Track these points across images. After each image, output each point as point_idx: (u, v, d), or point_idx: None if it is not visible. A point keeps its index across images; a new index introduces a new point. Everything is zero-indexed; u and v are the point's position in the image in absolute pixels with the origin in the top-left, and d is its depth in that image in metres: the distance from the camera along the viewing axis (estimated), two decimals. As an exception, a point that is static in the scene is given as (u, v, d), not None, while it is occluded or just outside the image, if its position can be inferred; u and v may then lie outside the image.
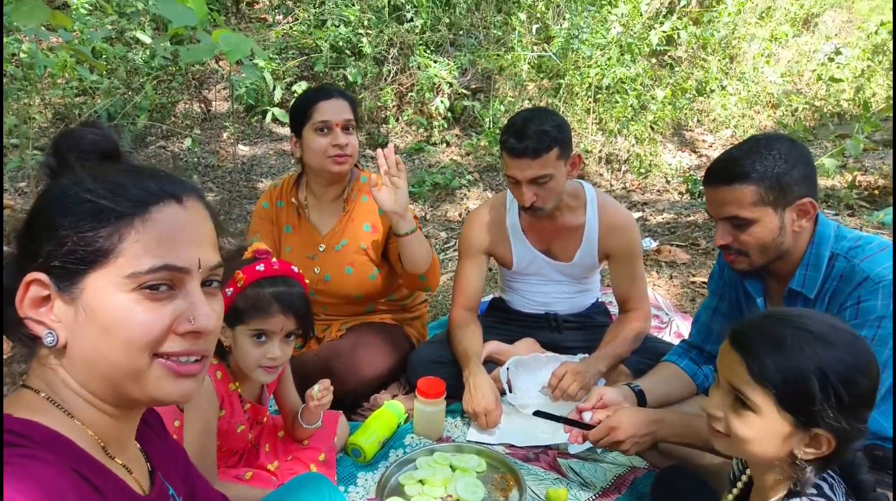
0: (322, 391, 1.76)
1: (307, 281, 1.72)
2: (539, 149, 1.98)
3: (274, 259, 1.62)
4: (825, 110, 5.95)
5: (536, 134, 1.98)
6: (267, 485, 1.66)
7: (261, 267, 1.58)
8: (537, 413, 1.84)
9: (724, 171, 1.54)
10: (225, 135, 5.10)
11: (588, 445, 1.96)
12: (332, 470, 1.86)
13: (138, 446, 0.92)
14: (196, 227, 0.82)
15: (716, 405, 1.13)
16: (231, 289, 1.56)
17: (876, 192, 4.56)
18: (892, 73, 3.44)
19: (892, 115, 2.93)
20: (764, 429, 1.06)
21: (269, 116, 5.09)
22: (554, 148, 2.00)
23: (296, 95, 5.34)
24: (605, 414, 1.72)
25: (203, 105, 5.24)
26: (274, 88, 4.96)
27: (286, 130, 5.49)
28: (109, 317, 0.76)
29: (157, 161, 4.57)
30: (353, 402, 2.20)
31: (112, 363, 0.78)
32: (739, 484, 1.24)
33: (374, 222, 2.24)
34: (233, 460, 1.72)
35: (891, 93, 5.77)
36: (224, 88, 5.45)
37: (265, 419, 1.80)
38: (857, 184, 4.59)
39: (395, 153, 2.04)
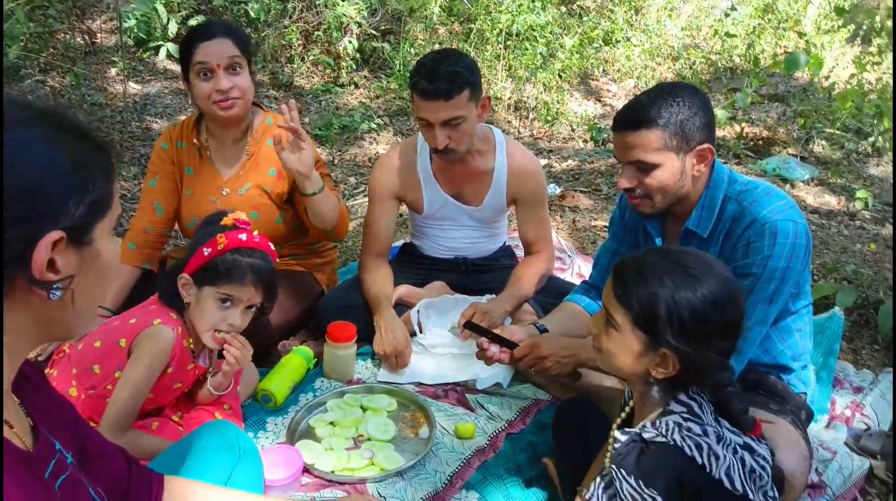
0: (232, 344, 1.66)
1: None
2: (451, 90, 1.96)
3: (256, 232, 1.65)
4: (720, 65, 6.24)
5: (448, 75, 1.96)
6: (174, 436, 1.63)
7: (243, 236, 1.61)
8: (467, 325, 1.91)
9: (632, 117, 1.59)
10: (113, 71, 4.71)
11: (496, 380, 2.05)
12: (238, 418, 1.83)
13: (17, 401, 0.88)
14: None
15: (594, 323, 1.29)
16: (210, 250, 1.59)
17: (760, 142, 4.89)
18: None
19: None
20: (623, 345, 1.20)
21: (162, 52, 4.73)
22: (466, 89, 1.99)
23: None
24: (527, 335, 1.80)
25: (86, 37, 4.79)
26: (168, 21, 4.60)
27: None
28: (107, 260, 0.84)
29: (34, 97, 4.17)
30: (265, 350, 2.16)
31: (93, 299, 0.85)
32: (627, 409, 1.35)
33: (279, 167, 2.15)
34: (147, 407, 1.67)
35: (777, 50, 6.14)
36: (111, 20, 4.99)
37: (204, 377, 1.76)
38: (744, 135, 4.90)
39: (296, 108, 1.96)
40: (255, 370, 1.98)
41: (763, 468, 1.17)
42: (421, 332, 2.19)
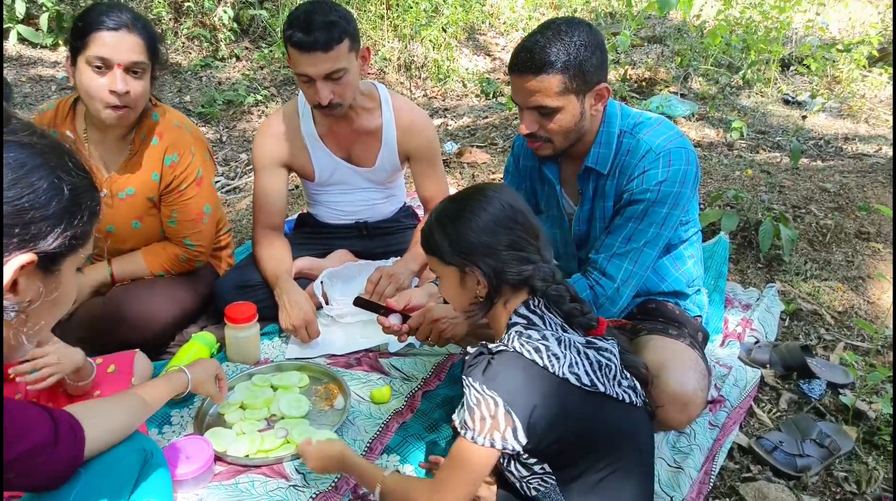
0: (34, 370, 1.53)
1: None
2: (329, 41, 1.87)
3: None
4: (599, 10, 6.38)
5: (325, 25, 1.86)
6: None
7: None
8: (357, 302, 1.86)
9: (531, 60, 1.54)
10: (-47, 59, 4.21)
11: (406, 341, 2.03)
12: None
13: None
14: None
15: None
16: None
17: (643, 83, 5.06)
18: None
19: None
20: (449, 286, 1.35)
21: (13, 36, 4.28)
22: (345, 39, 1.90)
23: (45, 8, 4.53)
24: (426, 295, 1.80)
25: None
26: (13, 1, 4.15)
27: (40, 52, 4.67)
28: (67, 293, 0.89)
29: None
30: (157, 344, 2.03)
31: (44, 330, 0.89)
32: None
33: (161, 172, 1.94)
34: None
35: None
36: (-60, 1, 4.44)
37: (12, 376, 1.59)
38: (628, 77, 5.05)
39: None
40: (148, 362, 1.84)
41: (609, 360, 1.27)
42: (327, 303, 2.12)
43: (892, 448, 1.70)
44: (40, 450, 1.10)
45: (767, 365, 2.03)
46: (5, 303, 0.79)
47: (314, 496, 1.53)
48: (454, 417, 1.29)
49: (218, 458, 1.61)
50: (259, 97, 4.51)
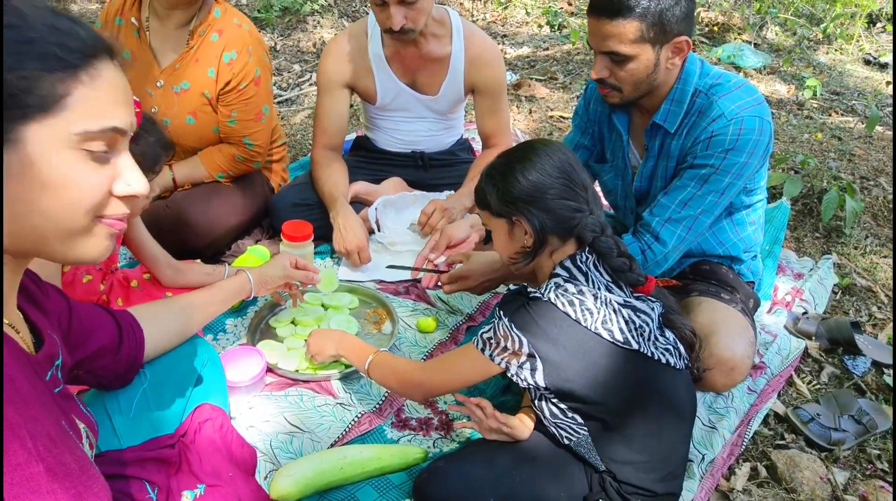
0: None
1: None
2: None
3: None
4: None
5: None
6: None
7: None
8: (391, 267, 1.89)
9: (609, 3, 1.48)
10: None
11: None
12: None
13: (19, 312, 0.87)
14: (126, 86, 0.81)
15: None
16: None
17: (716, 28, 4.81)
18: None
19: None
20: (498, 237, 1.38)
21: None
22: None
23: None
24: (458, 256, 1.79)
25: None
26: None
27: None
28: (53, 174, 0.72)
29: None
30: (213, 253, 2.09)
31: (49, 219, 0.74)
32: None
33: (218, 69, 1.94)
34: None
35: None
36: None
37: (116, 267, 1.67)
38: (700, 20, 4.79)
39: None
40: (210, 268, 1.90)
41: (645, 322, 1.28)
42: (379, 230, 2.15)
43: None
44: (105, 351, 1.14)
45: (813, 337, 2.01)
46: None
47: (359, 415, 1.60)
48: (478, 335, 1.33)
49: (269, 369, 1.68)
50: (316, 6, 4.41)
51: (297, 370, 1.69)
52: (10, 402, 0.70)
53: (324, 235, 2.09)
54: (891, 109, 3.86)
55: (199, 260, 1.91)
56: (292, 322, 1.85)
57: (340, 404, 1.63)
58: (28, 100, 0.69)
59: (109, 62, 0.77)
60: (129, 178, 0.79)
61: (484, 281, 1.73)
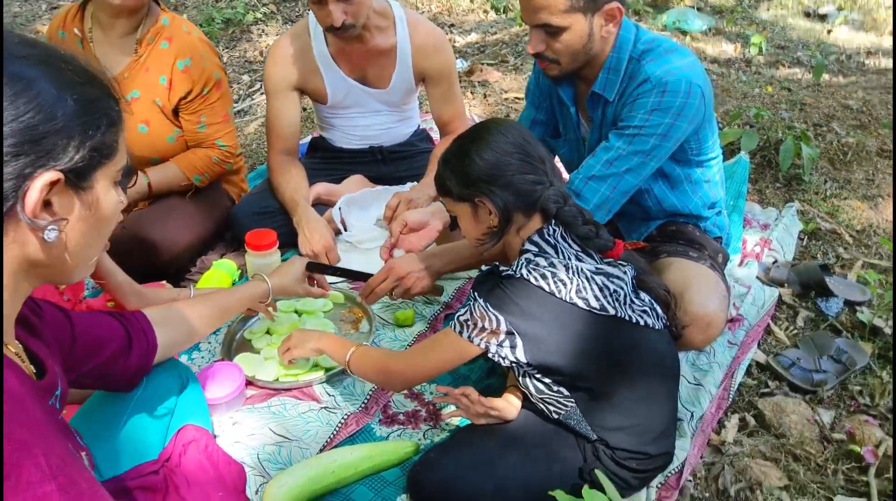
0: None
1: None
2: None
3: None
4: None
5: None
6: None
7: None
8: (309, 267, 1.74)
9: None
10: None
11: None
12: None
13: (18, 344, 0.91)
14: None
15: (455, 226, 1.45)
16: None
17: (658, -4, 4.85)
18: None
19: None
20: (466, 222, 1.37)
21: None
22: None
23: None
24: (430, 213, 1.78)
25: None
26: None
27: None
28: (107, 208, 0.84)
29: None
30: (177, 270, 2.04)
31: (94, 247, 0.87)
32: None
33: (171, 76, 1.92)
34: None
35: None
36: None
37: (83, 298, 1.62)
38: (641, -11, 4.83)
39: None
40: (174, 290, 1.86)
41: (619, 286, 1.28)
42: (345, 229, 2.12)
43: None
44: (117, 356, 1.18)
45: (785, 284, 2.04)
46: (44, 223, 0.76)
47: (345, 416, 1.57)
48: (455, 318, 1.31)
49: (249, 382, 1.65)
50: (259, 15, 4.34)
51: (276, 379, 1.66)
52: (21, 423, 0.73)
53: (289, 241, 2.05)
54: (835, 56, 3.94)
55: (165, 282, 1.87)
56: (267, 332, 1.82)
57: (325, 408, 1.60)
58: (103, 152, 0.82)
59: None
60: (122, 196, 0.89)
61: (413, 273, 1.66)
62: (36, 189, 0.74)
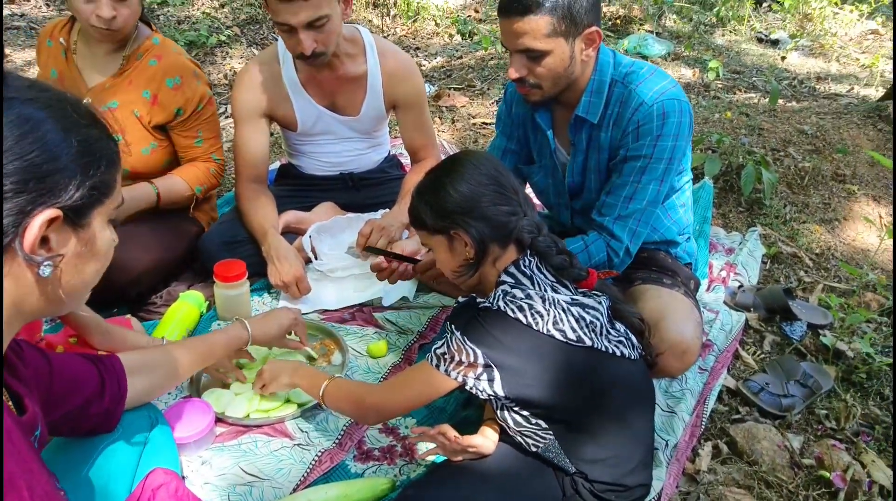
0: None
1: None
2: None
3: None
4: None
5: None
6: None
7: None
8: (368, 249, 1.85)
9: (518, 2, 1.49)
10: None
11: (401, 294, 2.02)
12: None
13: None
14: None
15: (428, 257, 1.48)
16: None
17: (619, 21, 4.97)
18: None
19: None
20: (442, 255, 1.37)
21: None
22: None
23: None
24: (419, 245, 1.77)
25: None
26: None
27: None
28: (101, 244, 0.88)
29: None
30: (139, 297, 1.98)
31: (84, 284, 0.89)
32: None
33: (156, 92, 1.95)
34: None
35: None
36: None
37: (41, 337, 1.55)
38: (603, 15, 4.95)
39: None
40: (141, 326, 1.80)
41: (595, 317, 1.28)
42: (316, 258, 2.09)
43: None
44: (90, 402, 1.17)
45: (751, 309, 2.09)
46: (40, 258, 0.79)
47: (319, 453, 1.54)
48: (432, 351, 1.31)
49: (219, 419, 1.60)
50: (222, 38, 4.29)
51: (247, 416, 1.61)
52: (9, 455, 0.74)
53: (258, 271, 2.01)
54: (788, 81, 4.09)
55: (131, 316, 1.80)
56: (238, 366, 1.76)
57: (298, 445, 1.56)
58: (102, 191, 0.84)
59: None
60: (114, 234, 0.92)
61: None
62: (35, 225, 0.77)
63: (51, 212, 0.78)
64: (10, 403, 0.90)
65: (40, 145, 0.77)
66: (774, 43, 4.79)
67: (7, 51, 3.90)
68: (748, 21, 5.00)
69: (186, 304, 1.89)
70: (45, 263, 0.80)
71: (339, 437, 1.59)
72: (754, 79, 4.08)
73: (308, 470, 1.50)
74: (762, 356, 1.95)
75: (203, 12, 4.59)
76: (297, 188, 2.31)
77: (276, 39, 2.07)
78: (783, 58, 4.40)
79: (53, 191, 0.78)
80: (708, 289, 2.16)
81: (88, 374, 1.18)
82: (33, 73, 3.06)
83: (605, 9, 5.04)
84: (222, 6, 4.68)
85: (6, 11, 4.27)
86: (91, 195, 0.82)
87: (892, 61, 3.84)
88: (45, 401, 1.06)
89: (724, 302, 2.10)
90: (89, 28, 1.85)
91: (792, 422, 1.70)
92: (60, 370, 1.12)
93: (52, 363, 1.11)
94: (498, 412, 1.32)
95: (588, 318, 1.27)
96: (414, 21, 4.95)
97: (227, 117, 3.47)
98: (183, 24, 4.43)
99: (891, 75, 3.96)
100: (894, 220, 2.41)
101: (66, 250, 0.82)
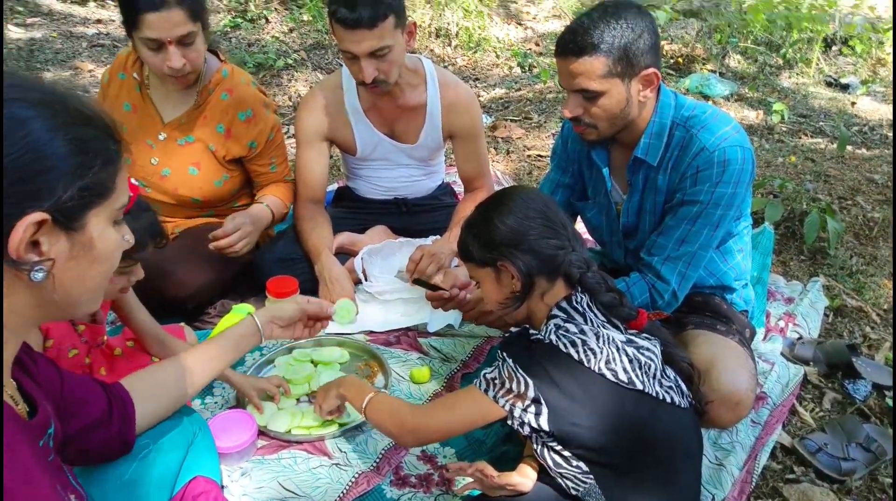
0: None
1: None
2: (374, 18, 1.81)
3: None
4: (637, -19, 6.18)
5: (370, 1, 1.81)
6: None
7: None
8: (417, 282, 1.87)
9: (575, 42, 1.50)
10: (-15, 12, 4.17)
11: (447, 322, 2.02)
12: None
13: (13, 382, 0.91)
14: None
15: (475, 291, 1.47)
16: None
17: (681, 60, 4.93)
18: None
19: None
20: (488, 287, 1.37)
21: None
22: (390, 16, 1.84)
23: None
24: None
25: (-54, -27, 4.20)
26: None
27: (70, 8, 4.63)
28: (103, 249, 0.83)
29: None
30: (195, 309, 2.04)
31: (89, 288, 0.85)
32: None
33: (229, 126, 2.01)
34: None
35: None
36: (-28, -49, 4.39)
37: (104, 339, 1.61)
38: (664, 53, 4.91)
39: None
40: (193, 334, 1.86)
41: (650, 358, 1.25)
42: (367, 280, 2.11)
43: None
44: (96, 425, 1.11)
45: (811, 362, 2.00)
46: (29, 263, 0.76)
47: (356, 475, 1.53)
48: (481, 376, 1.29)
49: (260, 432, 1.62)
50: (289, 61, 4.44)
51: (288, 431, 1.63)
52: (9, 470, 0.72)
53: (310, 289, 2.05)
54: (858, 128, 3.96)
55: (184, 324, 1.86)
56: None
57: (336, 464, 1.56)
58: (97, 192, 0.81)
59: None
60: (126, 234, 0.89)
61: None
62: (20, 229, 0.74)
63: (37, 215, 0.74)
64: (19, 405, 0.87)
65: (24, 145, 0.74)
66: (844, 87, 4.66)
67: (90, 66, 4.13)
68: (816, 64, 4.88)
69: (239, 316, 1.92)
70: (37, 267, 0.76)
71: (378, 460, 1.59)
72: (822, 123, 3.96)
73: (344, 491, 1.49)
74: (821, 414, 1.85)
75: (273, 36, 4.77)
76: (352, 211, 2.36)
77: (341, 65, 2.14)
78: (853, 103, 4.26)
79: (39, 193, 0.75)
80: (764, 339, 2.08)
81: (96, 396, 1.13)
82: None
83: (666, 47, 5.00)
84: (291, 31, 4.85)
85: (92, 30, 4.53)
86: (83, 197, 0.78)
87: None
88: (58, 409, 1.03)
89: (782, 354, 2.02)
90: (162, 77, 1.90)
91: (852, 488, 1.60)
92: (70, 386, 1.09)
93: (63, 378, 1.08)
94: (538, 448, 1.29)
95: (643, 360, 1.24)
96: (475, 52, 5.02)
97: (289, 137, 3.58)
98: (253, 46, 4.62)
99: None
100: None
101: (57, 254, 0.78)
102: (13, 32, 4.14)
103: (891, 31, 4.84)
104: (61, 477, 0.89)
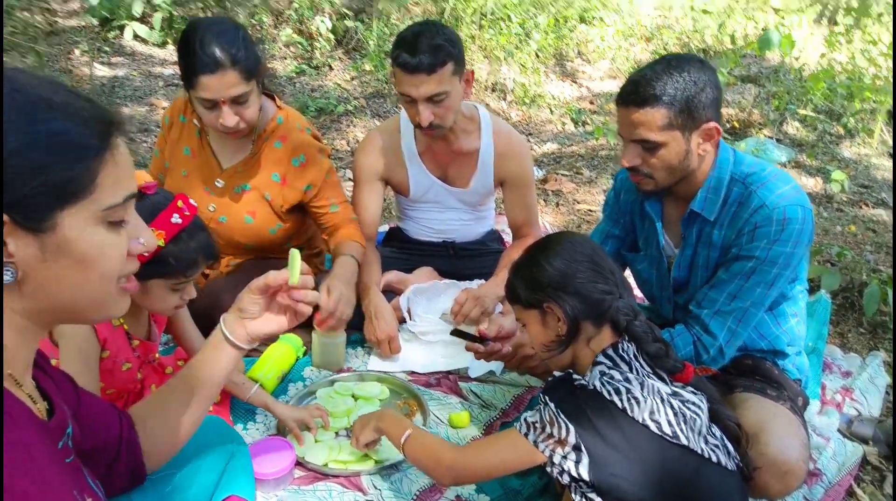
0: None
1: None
2: (434, 64, 1.89)
3: (179, 203, 1.43)
4: (692, 45, 6.25)
5: (430, 48, 1.88)
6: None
7: (177, 219, 1.42)
8: (454, 333, 1.87)
9: (637, 93, 1.52)
10: (77, 52, 4.50)
11: (488, 368, 2.01)
12: (226, 409, 1.78)
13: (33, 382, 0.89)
14: (129, 154, 0.84)
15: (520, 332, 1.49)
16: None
17: (736, 124, 4.91)
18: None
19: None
20: (534, 329, 1.38)
21: (128, 33, 4.54)
22: (448, 63, 1.91)
23: (158, 8, 4.80)
24: (514, 323, 1.77)
25: (46, 15, 4.56)
26: (132, 1, 4.41)
27: (151, 49, 4.95)
28: (86, 251, 0.77)
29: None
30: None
31: (83, 292, 0.79)
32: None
33: (284, 174, 2.02)
34: (119, 404, 1.58)
35: (747, 30, 6.18)
36: (72, -3, 4.77)
37: (156, 357, 1.67)
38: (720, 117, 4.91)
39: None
40: (241, 359, 1.89)
41: (696, 414, 1.22)
42: (411, 319, 2.13)
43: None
44: (107, 446, 1.05)
45: (870, 442, 1.89)
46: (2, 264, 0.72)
47: (389, 514, 1.52)
48: (522, 419, 1.28)
49: (298, 462, 1.62)
50: (349, 107, 4.62)
51: (325, 464, 1.63)
52: (25, 471, 0.70)
53: (357, 323, 2.08)
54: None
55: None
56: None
57: (370, 501, 1.55)
58: (67, 189, 0.74)
59: (119, 135, 0.81)
60: (142, 236, 0.85)
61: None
62: None
63: None
64: (38, 404, 0.84)
65: None
66: (908, 160, 4.54)
67: (165, 103, 4.38)
68: (880, 134, 4.79)
69: (285, 346, 1.97)
70: (9, 271, 0.72)
71: (413, 499, 1.57)
72: (884, 195, 3.86)
73: (376, 530, 1.48)
74: (882, 499, 1.75)
75: (335, 83, 4.97)
76: (401, 251, 2.40)
77: (399, 111, 2.22)
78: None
79: None
80: (819, 412, 1.98)
81: (110, 418, 1.07)
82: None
83: (722, 110, 4.99)
84: (353, 79, 5.06)
85: (169, 70, 4.82)
86: (44, 194, 0.72)
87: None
88: (74, 417, 0.97)
89: (838, 430, 1.92)
90: (218, 132, 1.91)
91: (911, 574, 1.50)
92: (87, 400, 1.03)
93: (78, 391, 1.02)
94: (572, 491, 1.26)
95: (688, 414, 1.21)
96: (529, 107, 5.12)
97: (346, 180, 3.69)
98: (316, 91, 4.82)
99: None
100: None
101: (24, 256, 0.73)
102: (99, 70, 4.44)
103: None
104: (79, 479, 0.87)
